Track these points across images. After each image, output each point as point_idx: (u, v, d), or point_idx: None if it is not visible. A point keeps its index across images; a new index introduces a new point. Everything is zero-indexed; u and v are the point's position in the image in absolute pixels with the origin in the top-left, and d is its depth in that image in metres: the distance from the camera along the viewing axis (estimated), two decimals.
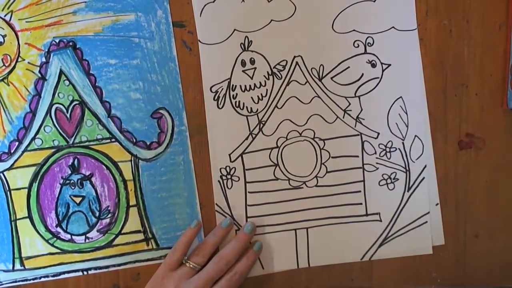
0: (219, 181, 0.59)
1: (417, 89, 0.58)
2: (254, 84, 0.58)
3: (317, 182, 0.59)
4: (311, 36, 0.58)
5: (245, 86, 0.58)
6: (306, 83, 0.58)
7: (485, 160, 0.59)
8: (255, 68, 0.58)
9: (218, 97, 0.58)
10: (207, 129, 0.58)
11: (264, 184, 0.59)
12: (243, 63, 0.58)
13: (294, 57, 0.58)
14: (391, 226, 0.59)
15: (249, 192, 0.59)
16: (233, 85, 0.58)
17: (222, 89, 0.58)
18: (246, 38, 0.58)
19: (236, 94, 0.58)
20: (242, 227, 0.58)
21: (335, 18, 0.57)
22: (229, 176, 0.59)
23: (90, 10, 0.57)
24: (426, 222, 0.59)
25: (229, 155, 0.59)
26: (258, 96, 0.58)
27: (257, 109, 0.58)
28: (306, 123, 0.58)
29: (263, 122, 0.58)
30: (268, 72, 0.58)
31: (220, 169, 0.59)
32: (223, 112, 0.58)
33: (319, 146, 0.58)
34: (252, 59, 0.58)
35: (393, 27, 0.58)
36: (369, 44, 0.57)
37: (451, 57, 0.58)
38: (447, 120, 0.59)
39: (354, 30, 0.58)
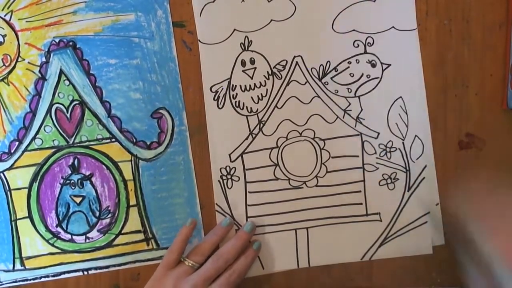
0: (219, 181, 0.59)
1: (417, 89, 0.58)
2: (254, 84, 0.58)
3: (317, 182, 0.59)
4: (311, 36, 0.58)
5: (245, 86, 0.58)
6: (306, 83, 0.58)
7: (485, 160, 0.59)
8: (255, 68, 0.58)
9: (218, 97, 0.58)
10: (207, 129, 0.58)
11: (264, 184, 0.59)
12: (243, 63, 0.58)
13: (294, 57, 0.58)
14: (391, 226, 0.59)
15: (249, 192, 0.59)
16: (233, 85, 0.58)
17: (222, 89, 0.58)
18: (246, 38, 0.58)
19: (236, 94, 0.58)
20: (242, 226, 0.58)
21: (335, 18, 0.57)
22: (229, 176, 0.59)
23: (90, 10, 0.57)
24: (426, 222, 0.59)
25: (229, 155, 0.59)
26: (258, 96, 0.58)
27: (257, 109, 0.58)
28: (306, 123, 0.58)
29: (263, 122, 0.58)
30: (268, 72, 0.58)
31: (220, 169, 0.59)
32: (223, 112, 0.58)
33: (319, 146, 0.58)
34: (252, 59, 0.58)
35: (393, 27, 0.58)
36: (369, 44, 0.58)
37: (451, 57, 0.58)
38: (447, 120, 0.59)
39: (354, 30, 0.58)
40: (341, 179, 0.59)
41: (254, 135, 0.59)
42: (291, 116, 0.58)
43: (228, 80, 0.58)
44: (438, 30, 0.58)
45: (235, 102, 0.58)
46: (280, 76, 0.58)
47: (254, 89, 0.58)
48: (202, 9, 0.57)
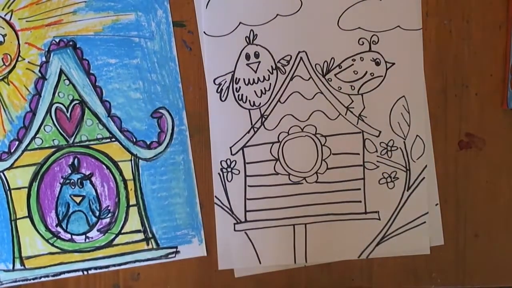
0: (219, 173, 0.59)
1: (420, 89, 0.58)
2: (258, 78, 0.58)
3: (317, 178, 0.59)
4: (316, 32, 0.58)
5: (249, 79, 0.58)
6: (309, 78, 0.58)
7: (485, 160, 0.59)
8: (259, 62, 0.58)
9: (221, 89, 0.58)
10: (209, 121, 0.58)
11: (264, 178, 0.59)
12: (248, 57, 0.58)
13: (299, 52, 0.58)
14: (389, 225, 0.59)
15: (248, 185, 0.59)
16: (236, 78, 0.58)
17: (226, 81, 0.58)
18: (251, 32, 0.58)
19: (240, 87, 0.58)
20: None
21: (341, 15, 0.57)
22: (229, 169, 0.59)
23: (90, 9, 0.57)
24: (425, 222, 0.59)
25: (230, 148, 0.59)
26: (261, 90, 0.58)
27: (260, 103, 0.58)
28: (308, 118, 0.58)
29: (265, 116, 0.58)
30: (272, 67, 0.58)
31: (221, 161, 0.59)
32: (225, 104, 0.58)
33: (320, 142, 0.59)
34: (257, 53, 0.58)
35: (398, 26, 0.58)
36: (374, 42, 0.58)
37: (451, 57, 0.58)
38: (447, 120, 0.59)
39: (359, 27, 0.58)
40: (341, 176, 0.59)
41: (256, 129, 0.58)
42: (294, 111, 0.58)
43: (232, 73, 0.58)
44: (438, 30, 0.58)
45: (238, 95, 0.58)
46: (284, 71, 0.58)
47: (257, 83, 0.58)
48: (209, 1, 0.57)
